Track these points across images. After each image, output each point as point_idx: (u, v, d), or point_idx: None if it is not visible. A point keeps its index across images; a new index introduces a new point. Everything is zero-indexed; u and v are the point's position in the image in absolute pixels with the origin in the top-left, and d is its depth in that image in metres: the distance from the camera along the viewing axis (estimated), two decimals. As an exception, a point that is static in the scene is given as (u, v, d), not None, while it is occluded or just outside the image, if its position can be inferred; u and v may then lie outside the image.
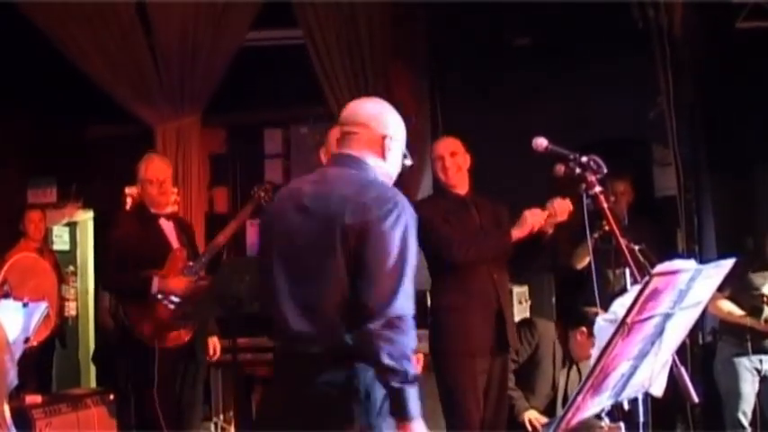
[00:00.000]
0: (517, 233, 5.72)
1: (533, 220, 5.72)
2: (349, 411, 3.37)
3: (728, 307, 6.87)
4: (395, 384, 3.28)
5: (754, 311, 6.79)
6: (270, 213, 3.82)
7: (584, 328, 6.35)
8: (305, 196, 3.58)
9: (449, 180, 5.90)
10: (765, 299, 6.75)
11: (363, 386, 3.38)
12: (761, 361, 6.86)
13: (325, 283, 3.43)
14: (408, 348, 3.29)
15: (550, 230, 5.84)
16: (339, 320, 3.39)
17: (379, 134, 3.65)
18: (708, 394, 7.16)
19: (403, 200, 3.47)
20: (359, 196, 3.45)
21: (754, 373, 6.88)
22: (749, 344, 6.81)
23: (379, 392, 3.38)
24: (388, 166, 3.70)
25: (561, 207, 5.73)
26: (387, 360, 3.26)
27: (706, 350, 7.56)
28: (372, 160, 3.64)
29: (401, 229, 3.39)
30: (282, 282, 3.52)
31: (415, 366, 3.32)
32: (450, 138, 6.02)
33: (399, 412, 3.31)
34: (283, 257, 3.55)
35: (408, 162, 3.85)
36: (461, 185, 5.93)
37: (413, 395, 3.29)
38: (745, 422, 6.81)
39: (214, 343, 6.57)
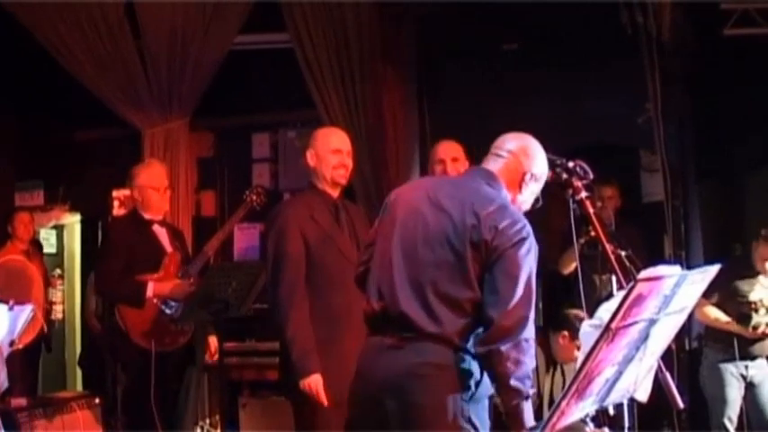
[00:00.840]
0: None
1: None
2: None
3: (715, 314, 6.88)
4: (515, 402, 3.51)
5: (742, 318, 6.80)
6: (398, 200, 3.99)
7: (565, 332, 6.34)
8: (441, 194, 3.78)
9: None
10: (753, 306, 6.76)
11: (465, 367, 3.61)
12: (746, 367, 6.88)
13: (450, 275, 3.63)
14: (530, 369, 3.53)
15: None
16: (459, 315, 3.61)
17: (524, 168, 3.84)
18: (694, 400, 7.17)
19: (530, 230, 3.66)
20: (496, 215, 3.64)
21: (740, 379, 6.89)
22: (735, 350, 6.81)
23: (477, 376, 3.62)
24: (521, 199, 3.90)
25: None
26: (514, 382, 3.49)
27: (692, 356, 7.57)
28: (515, 187, 3.86)
29: (531, 258, 3.62)
30: (400, 264, 3.75)
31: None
32: (453, 142, 5.99)
33: (515, 425, 3.52)
34: (407, 242, 3.77)
35: (538, 203, 4.03)
36: None
37: (528, 409, 3.51)
38: (731, 428, 6.83)
39: (214, 342, 6.57)
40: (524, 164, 3.86)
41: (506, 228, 3.60)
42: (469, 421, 3.60)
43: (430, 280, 3.65)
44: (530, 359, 3.52)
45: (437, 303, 3.62)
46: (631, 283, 2.74)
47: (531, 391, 3.54)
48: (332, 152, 5.26)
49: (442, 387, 3.59)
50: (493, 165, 3.87)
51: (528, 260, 3.59)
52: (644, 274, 2.80)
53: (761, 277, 6.88)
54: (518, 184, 3.85)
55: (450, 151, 5.91)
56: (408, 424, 3.62)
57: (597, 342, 2.72)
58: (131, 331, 6.20)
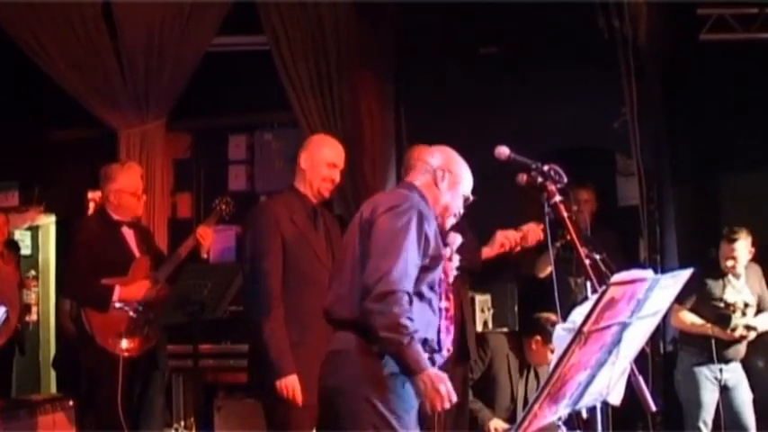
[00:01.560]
0: (488, 252, 5.77)
1: (505, 240, 5.75)
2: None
3: (691, 318, 6.91)
4: (393, 350, 3.75)
5: (720, 320, 6.82)
6: None
7: (538, 337, 6.36)
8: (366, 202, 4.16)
9: None
10: (732, 307, 6.79)
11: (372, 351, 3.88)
12: (721, 370, 6.90)
13: (361, 267, 3.91)
14: (402, 317, 3.72)
15: (517, 249, 5.88)
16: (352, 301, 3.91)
17: (432, 167, 4.16)
18: (669, 404, 7.19)
19: (415, 201, 3.96)
20: (380, 198, 4.10)
21: (715, 382, 6.92)
22: (711, 353, 6.83)
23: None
24: (444, 199, 4.18)
25: (533, 233, 5.79)
26: (383, 333, 3.73)
27: (667, 360, 7.59)
28: (429, 188, 4.15)
29: (404, 219, 3.87)
30: (333, 266, 4.45)
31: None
32: (425, 146, 5.99)
33: (405, 370, 3.76)
34: (341, 248, 4.26)
35: (471, 198, 4.33)
36: None
37: (412, 354, 3.73)
38: (706, 431, 6.84)
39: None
40: (432, 163, 4.18)
41: (384, 203, 3.99)
42: (368, 401, 3.81)
43: (348, 277, 3.98)
44: (399, 308, 3.72)
45: (351, 296, 3.92)
46: (604, 287, 2.74)
47: (414, 336, 3.72)
48: (327, 164, 5.30)
49: (345, 371, 3.89)
50: (407, 174, 4.28)
51: (398, 221, 3.87)
52: (617, 277, 2.80)
53: (732, 279, 6.92)
54: (434, 183, 4.13)
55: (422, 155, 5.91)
56: (322, 408, 4.04)
57: (570, 345, 2.72)
58: (96, 334, 6.16)
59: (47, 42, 8.17)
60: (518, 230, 5.82)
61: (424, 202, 4.05)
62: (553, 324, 5.51)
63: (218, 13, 8.18)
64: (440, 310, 4.07)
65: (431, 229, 3.94)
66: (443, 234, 4.18)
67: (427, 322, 3.94)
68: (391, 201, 3.98)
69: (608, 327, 2.90)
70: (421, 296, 3.92)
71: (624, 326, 2.99)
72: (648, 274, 2.98)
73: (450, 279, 4.14)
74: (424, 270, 3.91)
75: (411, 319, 3.74)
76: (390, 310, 3.72)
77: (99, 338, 6.16)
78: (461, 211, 4.17)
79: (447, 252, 4.14)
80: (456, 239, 4.22)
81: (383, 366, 3.84)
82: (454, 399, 3.77)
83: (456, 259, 4.21)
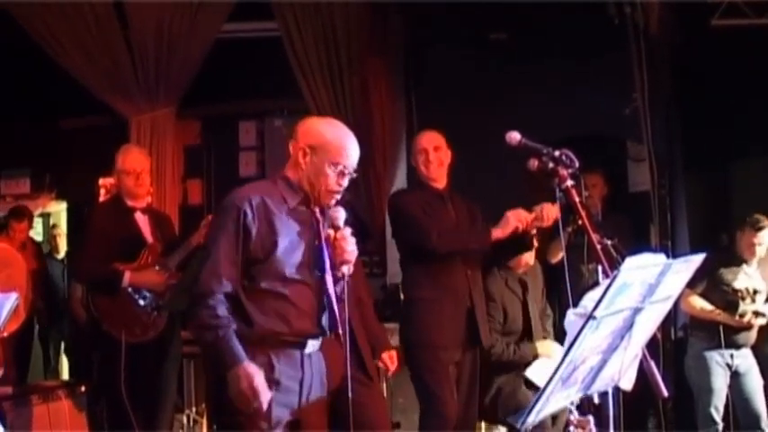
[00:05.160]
0: (498, 233, 5.70)
1: (516, 221, 5.70)
2: None
3: (701, 303, 6.89)
4: (202, 345, 3.95)
5: (729, 306, 6.81)
6: None
7: None
8: None
9: (430, 174, 5.90)
10: (740, 294, 6.78)
11: None
12: (732, 356, 6.89)
13: None
14: (204, 319, 3.79)
15: (534, 231, 5.84)
16: None
17: (298, 145, 4.01)
18: (679, 390, 7.18)
19: (239, 195, 3.91)
20: None
21: (726, 368, 6.90)
22: (721, 338, 6.82)
23: None
24: (301, 171, 4.02)
25: (549, 212, 5.70)
26: (193, 334, 4.12)
27: (677, 345, 7.59)
28: (293, 167, 4.03)
29: (217, 219, 3.98)
30: None
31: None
32: (434, 132, 6.01)
33: (221, 367, 3.82)
34: None
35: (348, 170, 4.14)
36: (441, 180, 5.93)
37: (222, 350, 3.79)
38: (717, 417, 6.83)
39: None
40: (298, 142, 4.02)
41: None
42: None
43: None
44: (203, 309, 3.79)
45: None
46: (615, 272, 2.74)
47: (222, 334, 3.77)
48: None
49: None
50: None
51: (212, 225, 4.08)
52: (628, 262, 2.79)
53: (744, 266, 6.91)
54: (296, 161, 4.00)
55: (432, 141, 5.92)
56: None
57: (582, 330, 2.72)
58: (103, 320, 6.18)
59: (58, 31, 8.19)
60: (531, 210, 5.77)
61: (290, 187, 3.99)
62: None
63: (227, 1, 8.18)
64: (331, 293, 3.97)
65: (257, 221, 3.86)
66: (323, 212, 4.01)
67: (282, 316, 3.90)
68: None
69: (620, 311, 2.90)
70: (266, 291, 3.90)
71: (636, 311, 2.99)
72: (660, 258, 2.97)
73: (350, 257, 3.96)
74: (258, 263, 3.88)
75: (219, 316, 3.79)
76: (196, 312, 3.82)
77: (106, 324, 6.18)
78: (339, 185, 3.97)
79: (330, 232, 3.96)
80: (338, 214, 3.98)
81: None
82: (263, 397, 3.80)
83: (347, 235, 3.97)
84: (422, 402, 5.90)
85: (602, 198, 7.66)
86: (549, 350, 6.36)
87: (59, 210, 10.45)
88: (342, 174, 3.97)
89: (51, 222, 10.92)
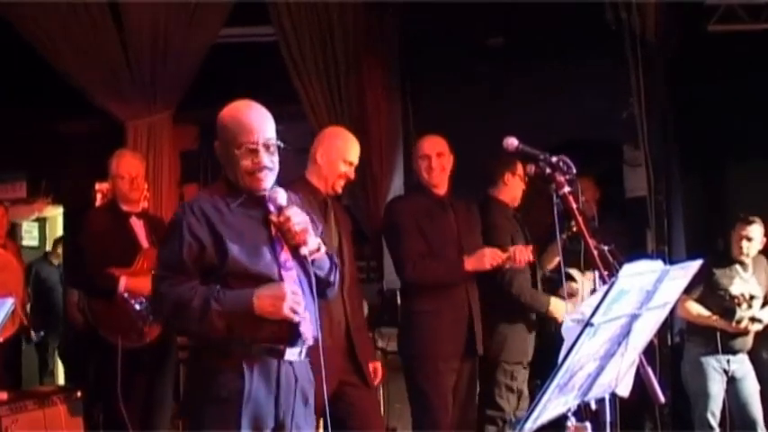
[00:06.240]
0: (470, 266, 5.76)
1: (490, 260, 5.76)
2: None
3: (697, 309, 6.90)
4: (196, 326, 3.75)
5: (725, 313, 6.81)
6: None
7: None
8: None
9: (432, 180, 5.91)
10: (737, 300, 6.77)
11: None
12: (728, 361, 6.89)
13: None
14: (166, 306, 3.75)
15: (506, 266, 5.88)
16: None
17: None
18: (676, 396, 7.18)
19: (187, 206, 3.82)
20: None
21: (722, 373, 6.91)
22: (717, 344, 6.83)
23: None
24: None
25: (521, 255, 5.80)
26: (180, 328, 4.07)
27: (674, 351, 7.59)
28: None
29: (164, 234, 3.95)
30: None
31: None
32: (437, 137, 6.01)
33: (238, 318, 3.69)
34: None
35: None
36: (442, 186, 5.95)
37: (221, 312, 3.65)
38: (714, 423, 6.83)
39: None
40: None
41: None
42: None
43: None
44: (162, 300, 3.75)
45: None
46: (613, 279, 2.73)
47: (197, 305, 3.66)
48: (345, 162, 5.28)
49: None
50: None
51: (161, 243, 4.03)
52: (626, 269, 2.79)
53: (740, 269, 6.91)
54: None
55: (435, 146, 5.93)
56: None
57: (579, 337, 2.71)
58: (99, 325, 6.17)
59: (54, 35, 8.12)
60: (504, 251, 5.82)
61: (229, 186, 3.85)
62: None
63: (224, 5, 8.16)
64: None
65: (203, 227, 3.74)
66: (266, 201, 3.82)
67: (253, 319, 3.67)
68: None
69: (617, 318, 2.90)
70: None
71: (633, 317, 2.99)
72: (658, 264, 2.97)
73: (302, 235, 3.74)
74: (216, 269, 3.73)
75: (190, 285, 3.69)
76: (166, 308, 3.76)
77: (102, 329, 6.17)
78: (256, 163, 3.73)
79: (274, 216, 3.81)
80: (276, 195, 3.79)
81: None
82: (299, 301, 3.67)
83: (292, 212, 3.76)
84: (416, 411, 5.90)
85: (596, 201, 7.66)
86: (560, 310, 6.29)
87: (56, 214, 10.44)
88: (252, 151, 3.76)
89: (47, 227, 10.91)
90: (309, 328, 3.76)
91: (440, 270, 5.78)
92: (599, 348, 2.95)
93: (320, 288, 3.95)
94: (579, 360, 2.84)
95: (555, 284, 6.66)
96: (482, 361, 6.18)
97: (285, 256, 3.78)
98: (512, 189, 6.47)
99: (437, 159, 5.87)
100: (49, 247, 10.97)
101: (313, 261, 3.80)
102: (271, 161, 3.79)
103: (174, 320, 3.85)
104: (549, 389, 2.77)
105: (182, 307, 3.69)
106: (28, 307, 9.95)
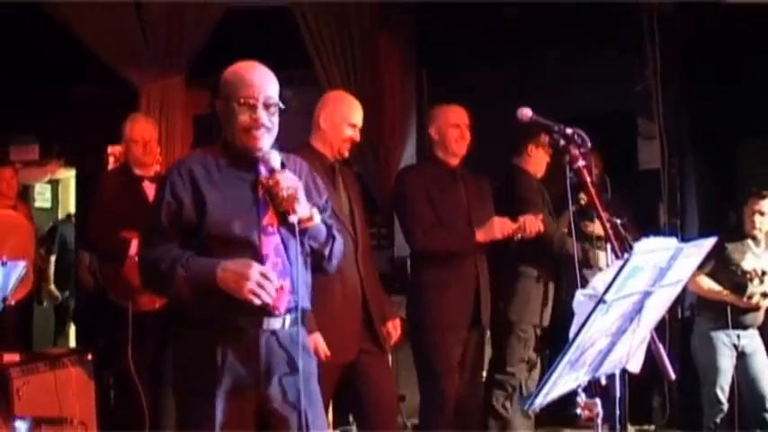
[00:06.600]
0: (481, 236, 5.75)
1: (500, 229, 5.75)
2: None
3: (708, 284, 6.87)
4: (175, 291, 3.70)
5: (737, 288, 6.79)
6: None
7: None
8: None
9: (458, 150, 5.91)
10: (749, 275, 6.75)
11: None
12: (738, 336, 6.88)
13: None
14: (155, 266, 3.66)
15: (516, 238, 5.87)
16: None
17: (215, 104, 3.85)
18: (685, 370, 7.18)
19: (174, 165, 3.81)
20: None
21: (732, 348, 6.89)
22: (728, 319, 6.81)
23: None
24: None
25: (531, 224, 5.78)
26: (159, 290, 4.22)
27: (684, 325, 7.58)
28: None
29: (155, 192, 3.90)
30: None
31: None
32: (460, 107, 5.99)
33: (203, 289, 3.62)
34: None
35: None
36: (460, 156, 5.93)
37: (190, 281, 3.61)
38: (723, 398, 6.81)
39: None
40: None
41: None
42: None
43: None
44: (143, 278, 3.78)
45: None
46: (627, 256, 2.72)
47: (169, 271, 3.62)
48: (349, 125, 5.21)
49: None
50: None
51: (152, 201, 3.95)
52: (639, 246, 2.78)
53: (752, 244, 6.89)
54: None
55: (462, 116, 5.99)
56: None
57: (592, 313, 2.71)
58: (110, 288, 6.19)
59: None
60: (516, 221, 5.81)
61: (225, 147, 3.76)
62: None
63: (239, -30, 8.15)
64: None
65: (187, 188, 3.68)
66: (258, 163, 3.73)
67: (220, 289, 3.56)
68: None
69: (630, 295, 2.89)
70: (218, 257, 3.61)
71: (646, 294, 2.98)
72: (672, 242, 2.95)
73: (289, 201, 3.60)
74: (195, 230, 3.66)
75: (168, 254, 3.63)
76: (145, 273, 3.75)
77: (112, 292, 6.20)
78: (254, 119, 3.65)
79: (264, 178, 3.68)
80: (270, 157, 3.67)
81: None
82: (264, 284, 3.52)
83: (283, 176, 3.64)
84: (423, 380, 5.92)
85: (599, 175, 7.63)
86: None
87: (68, 177, 10.46)
88: (251, 106, 3.69)
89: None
90: (285, 300, 3.64)
91: (450, 239, 5.78)
92: (611, 325, 2.94)
93: (315, 261, 3.87)
94: (591, 336, 2.84)
95: None
96: (495, 325, 6.21)
97: (269, 220, 3.67)
98: (536, 161, 6.49)
99: (465, 129, 5.88)
100: (70, 210, 10.96)
101: (305, 231, 3.69)
102: (269, 120, 3.71)
103: (146, 283, 3.84)
104: (560, 365, 2.77)
105: (152, 270, 3.68)
106: (52, 268, 10.07)
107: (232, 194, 3.69)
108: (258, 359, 3.66)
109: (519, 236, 5.87)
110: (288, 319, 3.70)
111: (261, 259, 3.61)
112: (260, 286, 3.52)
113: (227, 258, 3.58)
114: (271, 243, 3.66)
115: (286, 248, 3.68)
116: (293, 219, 3.61)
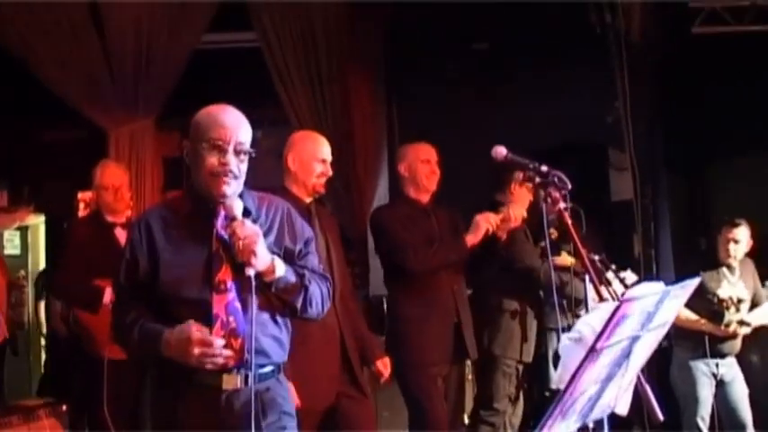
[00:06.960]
0: (471, 239, 5.74)
1: (486, 223, 5.73)
2: None
3: (686, 313, 6.86)
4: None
5: (714, 316, 6.79)
6: None
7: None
8: None
9: (429, 185, 5.91)
10: (725, 304, 6.76)
11: None
12: (717, 365, 6.87)
13: None
14: (117, 336, 3.72)
15: (504, 236, 5.86)
16: None
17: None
18: (665, 399, 7.16)
19: (139, 218, 3.79)
20: None
21: (711, 377, 6.88)
22: (706, 348, 6.81)
23: None
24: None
25: (516, 212, 5.77)
26: (129, 350, 3.91)
27: (662, 355, 7.57)
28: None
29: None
30: None
31: None
32: (429, 145, 5.99)
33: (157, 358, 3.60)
34: None
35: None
36: (430, 193, 5.92)
37: (141, 342, 3.59)
38: (704, 427, 6.80)
39: None
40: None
41: None
42: None
43: None
44: (114, 333, 3.74)
45: None
46: (616, 304, 2.71)
47: (130, 334, 3.60)
48: (319, 161, 5.14)
49: None
50: None
51: None
52: (628, 293, 2.77)
53: (727, 273, 6.89)
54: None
55: (430, 152, 5.97)
56: None
57: (582, 363, 2.69)
58: (84, 336, 6.13)
59: (34, 43, 8.09)
60: (498, 212, 5.81)
61: (189, 194, 3.65)
62: None
63: (206, 11, 8.14)
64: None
65: (143, 243, 3.59)
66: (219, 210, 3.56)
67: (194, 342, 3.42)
68: None
69: (619, 342, 2.88)
70: (173, 318, 3.50)
71: (634, 339, 2.97)
72: (659, 286, 2.94)
73: (247, 254, 3.41)
74: (150, 287, 3.57)
75: (131, 317, 3.57)
76: (115, 332, 3.72)
77: (86, 340, 6.13)
78: (223, 163, 3.47)
79: (220, 228, 3.54)
80: (233, 203, 3.49)
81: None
82: (214, 344, 3.40)
83: (242, 224, 3.45)
84: (412, 416, 5.89)
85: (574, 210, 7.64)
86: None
87: (38, 223, 10.35)
88: (220, 149, 3.52)
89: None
90: (238, 359, 3.49)
91: (441, 251, 5.75)
92: (601, 372, 2.93)
93: (288, 312, 3.69)
94: (582, 385, 2.81)
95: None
96: (480, 361, 6.18)
97: (222, 276, 3.51)
98: (518, 198, 6.41)
99: (435, 165, 5.88)
100: (40, 257, 10.85)
101: (270, 284, 3.54)
102: (238, 168, 3.53)
103: (114, 339, 3.82)
104: (552, 416, 2.74)
105: (116, 329, 3.70)
106: (42, 313, 9.95)
107: (187, 251, 3.55)
108: (219, 418, 3.53)
109: (504, 236, 5.85)
110: (248, 376, 3.53)
111: (211, 319, 3.48)
112: (204, 348, 3.42)
113: (180, 316, 3.47)
114: (222, 301, 3.50)
115: (243, 304, 3.51)
116: (250, 272, 3.43)
